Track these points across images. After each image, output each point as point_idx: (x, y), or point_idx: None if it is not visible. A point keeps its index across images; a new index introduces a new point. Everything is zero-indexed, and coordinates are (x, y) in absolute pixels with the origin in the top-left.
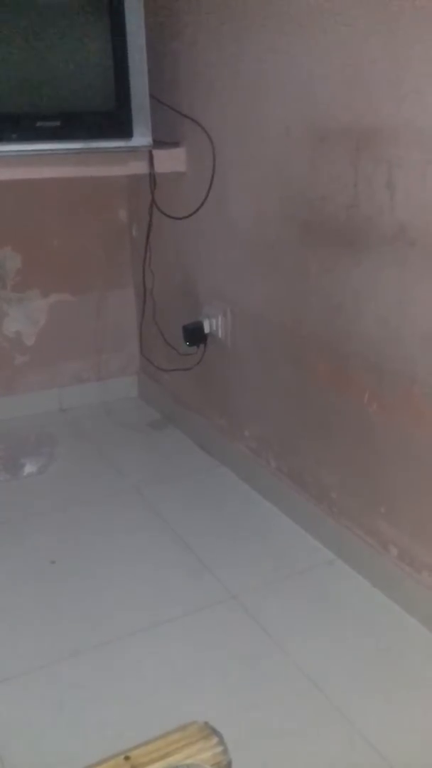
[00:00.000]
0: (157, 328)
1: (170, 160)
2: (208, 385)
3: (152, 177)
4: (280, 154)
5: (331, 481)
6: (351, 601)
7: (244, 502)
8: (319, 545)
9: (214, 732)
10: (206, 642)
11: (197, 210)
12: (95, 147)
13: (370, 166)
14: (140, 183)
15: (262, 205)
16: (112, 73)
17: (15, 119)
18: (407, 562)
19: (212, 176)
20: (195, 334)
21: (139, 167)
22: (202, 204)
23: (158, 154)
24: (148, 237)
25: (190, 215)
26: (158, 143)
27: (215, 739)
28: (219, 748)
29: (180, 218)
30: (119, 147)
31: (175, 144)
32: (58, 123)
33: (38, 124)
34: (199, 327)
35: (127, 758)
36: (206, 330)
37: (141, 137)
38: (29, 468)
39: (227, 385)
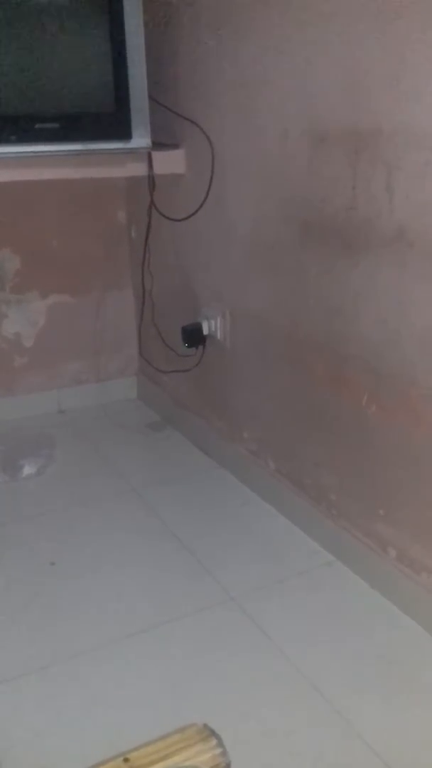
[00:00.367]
0: (156, 330)
1: (169, 162)
2: (207, 387)
3: (151, 178)
4: (278, 155)
5: (330, 483)
6: (350, 603)
7: (243, 503)
8: (317, 547)
9: (213, 734)
10: (205, 644)
11: (196, 211)
12: (94, 149)
13: (369, 167)
14: (139, 185)
15: (261, 206)
16: (111, 75)
17: (14, 121)
18: (406, 564)
19: (211, 178)
20: (194, 336)
21: (138, 169)
22: (200, 206)
23: (157, 155)
24: (147, 238)
25: (189, 217)
26: (157, 145)
27: (214, 741)
28: (218, 750)
29: (179, 220)
30: (118, 149)
31: (174, 146)
32: (57, 125)
33: (37, 125)
34: (197, 328)
35: (126, 760)
36: (205, 331)
37: (140, 139)
38: (28, 469)
39: (226, 386)
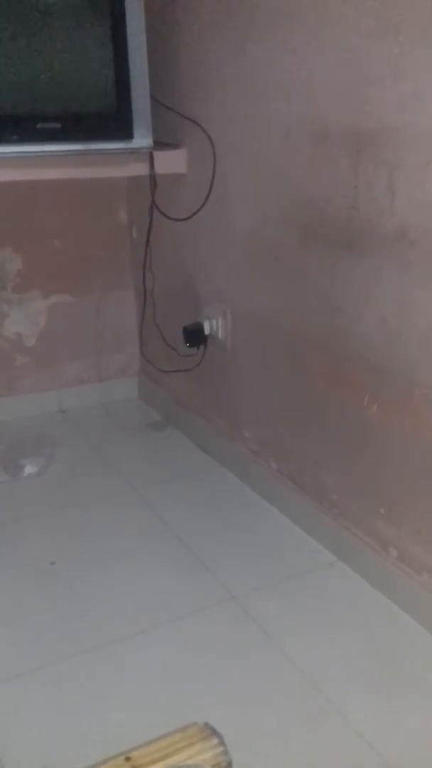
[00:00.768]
0: (157, 330)
1: (171, 162)
2: (209, 387)
3: (153, 178)
4: (280, 155)
5: (331, 483)
6: (350, 602)
7: (243, 503)
8: (319, 546)
9: (215, 732)
10: (206, 643)
11: (197, 211)
12: (96, 148)
13: (370, 167)
14: (141, 184)
15: (263, 206)
16: (113, 75)
17: (16, 121)
18: (407, 564)
19: (212, 178)
20: (195, 336)
21: (140, 169)
22: (202, 205)
23: (159, 155)
24: (148, 238)
25: (191, 217)
26: (159, 145)
27: (215, 740)
28: (219, 749)
29: (180, 220)
30: (120, 148)
31: (175, 145)
32: (58, 124)
33: (39, 125)
34: (199, 328)
35: (127, 759)
36: (206, 331)
37: (141, 139)
38: (29, 469)
39: (227, 386)
